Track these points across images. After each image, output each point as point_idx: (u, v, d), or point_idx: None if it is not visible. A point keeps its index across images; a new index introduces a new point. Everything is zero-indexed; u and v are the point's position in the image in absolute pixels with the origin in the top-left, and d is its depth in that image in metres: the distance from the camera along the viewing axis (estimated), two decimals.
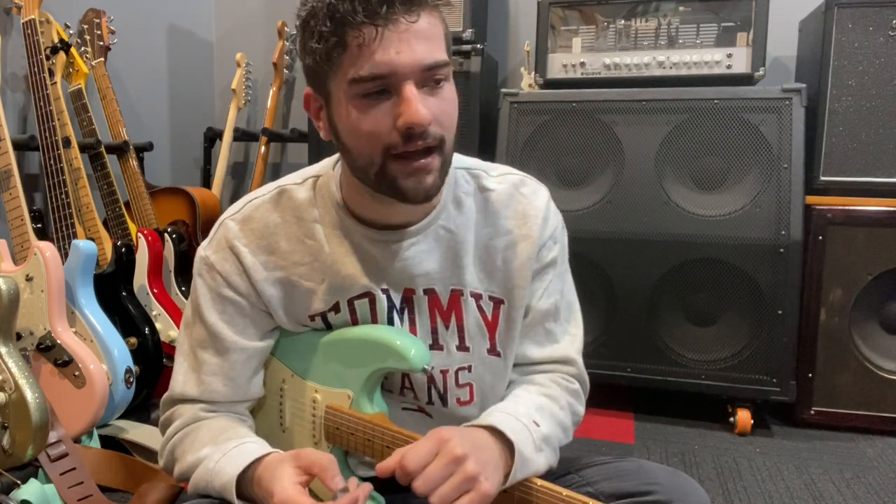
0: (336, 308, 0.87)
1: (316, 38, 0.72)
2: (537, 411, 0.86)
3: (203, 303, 0.86)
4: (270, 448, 0.83)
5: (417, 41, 0.71)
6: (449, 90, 0.76)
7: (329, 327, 0.89)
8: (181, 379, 0.88)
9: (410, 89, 0.72)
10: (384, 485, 0.83)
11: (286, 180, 0.89)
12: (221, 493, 0.79)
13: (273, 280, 0.86)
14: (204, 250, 0.87)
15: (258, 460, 0.80)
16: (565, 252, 0.94)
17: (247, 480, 0.79)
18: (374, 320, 0.88)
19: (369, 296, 0.86)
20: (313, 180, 0.88)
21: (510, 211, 0.88)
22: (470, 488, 0.71)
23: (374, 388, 0.89)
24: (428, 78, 0.73)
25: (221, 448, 0.82)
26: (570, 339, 0.94)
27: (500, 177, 0.90)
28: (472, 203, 0.88)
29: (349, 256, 0.85)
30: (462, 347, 0.89)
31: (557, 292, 0.92)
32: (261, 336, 0.89)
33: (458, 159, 0.90)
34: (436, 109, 0.74)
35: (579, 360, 0.94)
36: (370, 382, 0.87)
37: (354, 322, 0.88)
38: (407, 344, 0.84)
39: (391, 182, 0.76)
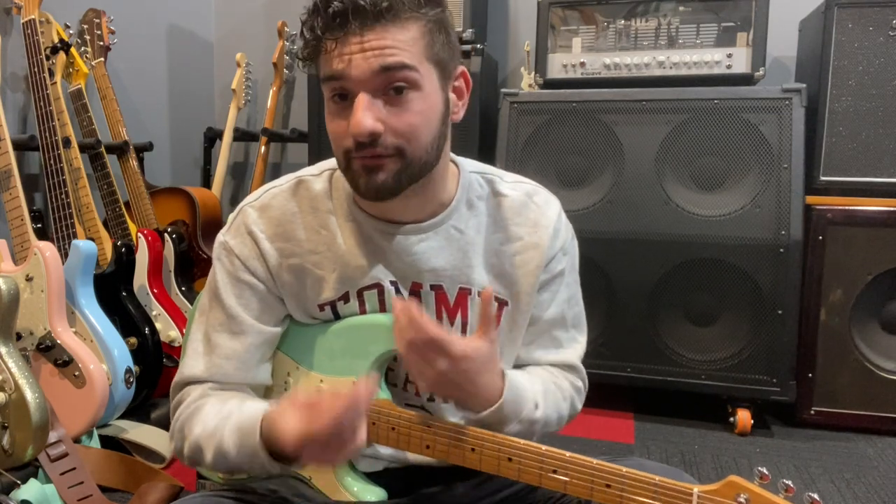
0: (346, 298, 0.89)
1: (303, 43, 0.78)
2: (542, 396, 0.89)
3: (221, 286, 0.88)
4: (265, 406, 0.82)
5: (372, 52, 0.74)
6: (417, 101, 0.77)
7: (338, 318, 0.91)
8: (191, 362, 0.89)
9: (360, 98, 0.75)
10: (398, 485, 0.86)
11: (304, 171, 0.92)
12: (250, 458, 0.79)
13: (288, 266, 0.88)
14: (223, 235, 0.90)
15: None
16: (575, 263, 0.97)
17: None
18: (383, 311, 0.89)
19: (378, 287, 0.88)
20: (330, 172, 0.91)
21: (522, 218, 0.91)
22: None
23: (379, 375, 0.90)
24: (386, 86, 0.75)
25: (228, 419, 0.82)
26: (575, 346, 0.97)
27: (514, 184, 0.93)
28: (485, 207, 0.91)
29: (361, 248, 0.88)
30: None
31: (564, 302, 0.95)
32: (276, 321, 0.91)
33: (473, 164, 0.93)
34: (392, 119, 0.76)
35: (581, 365, 0.98)
36: (375, 368, 0.88)
37: (363, 313, 0.90)
38: None
39: (350, 177, 0.80)
